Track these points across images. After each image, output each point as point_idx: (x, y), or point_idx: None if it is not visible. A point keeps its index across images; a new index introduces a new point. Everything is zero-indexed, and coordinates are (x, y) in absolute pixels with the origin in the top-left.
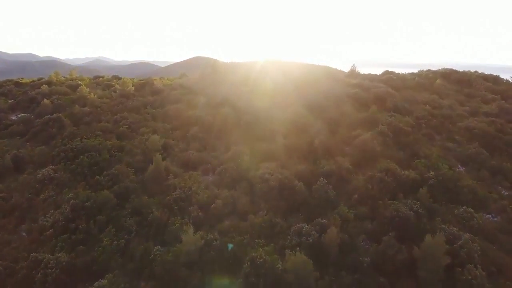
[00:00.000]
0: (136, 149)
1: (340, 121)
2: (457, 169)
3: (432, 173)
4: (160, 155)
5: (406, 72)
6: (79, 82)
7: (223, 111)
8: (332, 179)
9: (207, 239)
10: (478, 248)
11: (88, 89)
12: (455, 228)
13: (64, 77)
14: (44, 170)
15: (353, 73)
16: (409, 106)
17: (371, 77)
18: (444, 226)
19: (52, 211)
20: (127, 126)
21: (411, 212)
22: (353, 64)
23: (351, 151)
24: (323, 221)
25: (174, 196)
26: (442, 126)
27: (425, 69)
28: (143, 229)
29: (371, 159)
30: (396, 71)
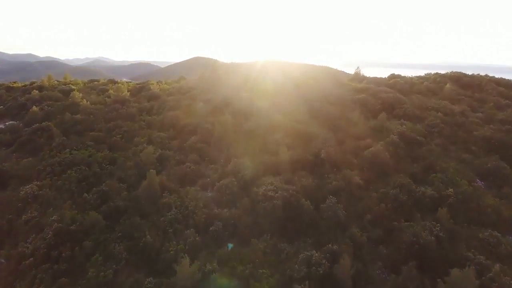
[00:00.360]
0: (129, 162)
1: (347, 130)
2: (476, 184)
3: (451, 190)
4: (155, 170)
5: (410, 75)
6: (72, 87)
7: (223, 118)
8: (341, 197)
9: (205, 271)
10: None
11: (81, 95)
12: (482, 257)
13: (57, 80)
14: (27, 186)
15: (357, 76)
16: (420, 112)
17: (377, 81)
18: (469, 254)
19: (34, 235)
20: (120, 136)
21: (432, 237)
22: (358, 67)
23: (360, 163)
24: (334, 247)
25: (169, 216)
26: (456, 135)
27: (427, 70)
28: (134, 257)
29: (383, 172)
30: (396, 71)
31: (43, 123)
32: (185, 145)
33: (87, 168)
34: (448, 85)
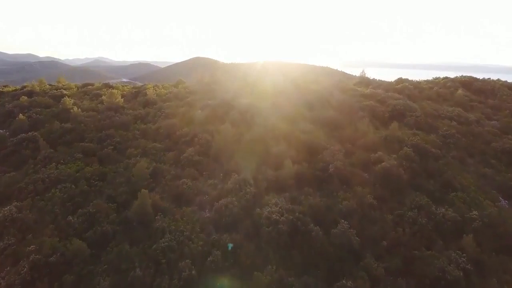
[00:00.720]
0: (120, 178)
1: (355, 140)
2: (500, 204)
3: (475, 213)
4: (147, 190)
5: (412, 75)
6: (64, 92)
7: (223, 128)
8: (353, 219)
9: None
10: None
11: (72, 101)
12: None
13: (50, 84)
14: (6, 208)
15: (363, 80)
16: (432, 121)
17: (384, 86)
18: None
19: (9, 267)
20: (112, 147)
21: (459, 271)
22: (363, 70)
23: (372, 179)
24: (348, 283)
25: (162, 244)
26: (473, 146)
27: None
28: None
29: (397, 190)
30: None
31: (29, 133)
32: (182, 157)
33: (73, 186)
34: (460, 91)
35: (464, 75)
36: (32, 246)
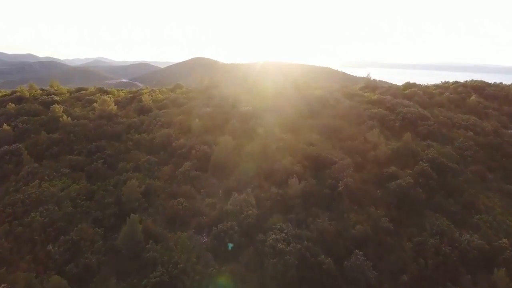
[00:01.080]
0: (109, 197)
1: (365, 152)
2: None
3: (505, 240)
4: (137, 215)
5: (427, 83)
6: (55, 98)
7: (222, 139)
8: (368, 248)
9: None
10: None
11: (62, 108)
12: None
13: (42, 89)
14: None
15: (369, 84)
16: (447, 131)
17: (392, 91)
18: None
19: None
20: (102, 161)
21: None
22: (368, 74)
23: (386, 198)
24: None
25: (153, 280)
26: (493, 159)
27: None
28: None
29: (415, 211)
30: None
31: (13, 145)
32: (178, 172)
33: (56, 208)
34: (473, 97)
35: (474, 79)
36: (3, 285)
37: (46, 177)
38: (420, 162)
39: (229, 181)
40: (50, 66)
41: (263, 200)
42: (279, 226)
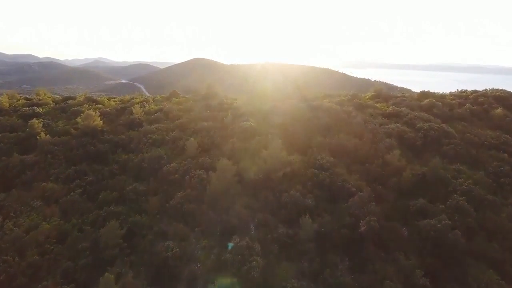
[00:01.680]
0: (84, 241)
1: (386, 179)
2: None
3: None
4: (113, 276)
5: (444, 92)
6: (37, 110)
7: (220, 164)
8: None
9: None
10: None
11: (41, 123)
12: None
13: (26, 98)
14: None
15: (379, 92)
16: (476, 152)
17: (408, 102)
18: None
19: None
20: (81, 190)
21: None
22: (376, 80)
23: (416, 241)
24: None
25: None
26: None
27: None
28: None
29: (453, 259)
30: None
31: None
32: (169, 205)
33: (17, 258)
34: (499, 110)
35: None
36: None
37: (11, 213)
38: (454, 195)
39: (229, 216)
40: (49, 67)
41: (269, 244)
42: (290, 286)
